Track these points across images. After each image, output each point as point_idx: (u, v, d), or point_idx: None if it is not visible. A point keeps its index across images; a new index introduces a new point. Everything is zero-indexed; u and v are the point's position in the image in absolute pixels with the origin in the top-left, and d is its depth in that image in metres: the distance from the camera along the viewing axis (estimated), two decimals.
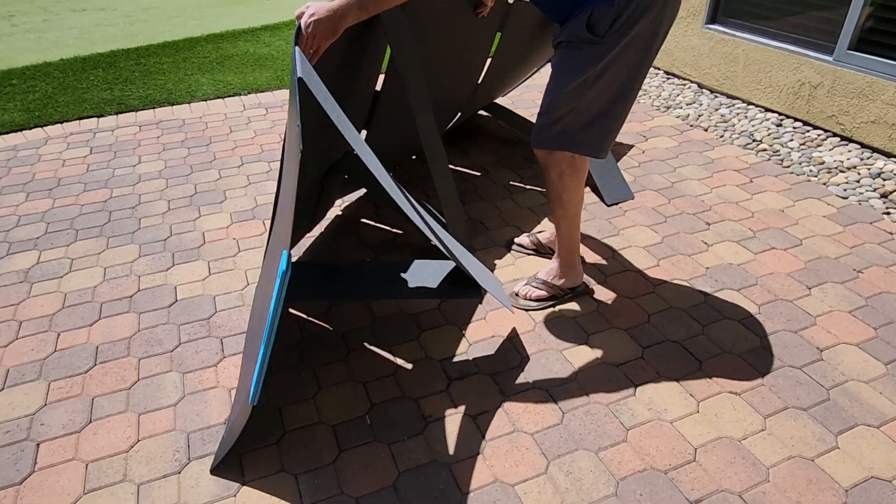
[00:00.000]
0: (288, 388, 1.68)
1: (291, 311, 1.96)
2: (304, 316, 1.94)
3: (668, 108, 3.50)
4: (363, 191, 2.66)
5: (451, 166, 2.86)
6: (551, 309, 1.93)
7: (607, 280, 2.06)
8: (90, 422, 1.59)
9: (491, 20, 2.28)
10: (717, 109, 3.44)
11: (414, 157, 2.96)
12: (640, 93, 3.71)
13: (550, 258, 2.13)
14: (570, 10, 1.53)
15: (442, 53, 2.18)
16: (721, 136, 3.13)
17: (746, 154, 2.91)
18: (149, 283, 2.09)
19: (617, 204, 2.52)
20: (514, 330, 1.86)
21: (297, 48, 1.29)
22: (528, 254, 2.20)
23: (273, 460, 1.47)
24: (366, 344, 1.82)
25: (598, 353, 1.76)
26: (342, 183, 2.43)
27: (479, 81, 2.59)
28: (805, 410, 1.57)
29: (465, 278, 1.74)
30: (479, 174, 2.79)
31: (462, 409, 1.60)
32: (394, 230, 2.38)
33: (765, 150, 2.98)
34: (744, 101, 3.50)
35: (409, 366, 1.74)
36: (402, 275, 1.70)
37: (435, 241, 1.47)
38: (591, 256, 2.18)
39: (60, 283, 2.11)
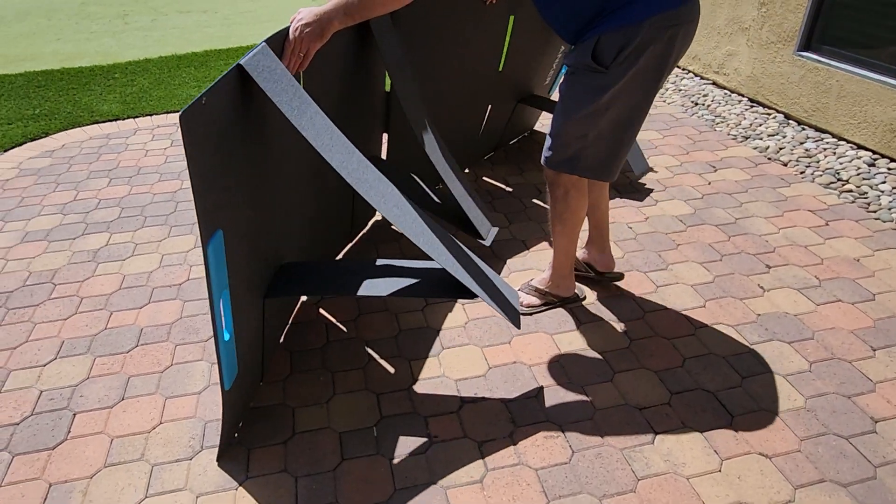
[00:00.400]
0: (305, 390, 1.72)
1: (322, 311, 2.01)
2: (332, 320, 1.98)
3: (747, 137, 3.30)
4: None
5: (502, 185, 2.84)
6: (581, 342, 1.87)
7: (646, 316, 1.97)
8: (122, 399, 1.69)
9: (500, 4, 2.31)
10: (801, 143, 3.21)
11: (466, 170, 2.96)
12: (718, 120, 3.52)
13: (583, 273, 2.12)
14: (580, 34, 1.53)
15: (453, 42, 2.24)
16: (801, 173, 2.91)
17: (827, 194, 2.69)
18: (198, 273, 2.21)
19: (642, 176, 2.68)
20: (537, 358, 1.81)
21: (263, 43, 1.35)
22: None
23: (278, 459, 1.51)
24: (387, 355, 1.84)
25: (621, 393, 1.68)
26: None
27: (501, 69, 2.60)
28: (844, 486, 1.42)
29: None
30: (530, 194, 2.75)
31: (470, 433, 1.57)
32: None
33: (850, 191, 2.74)
34: (834, 136, 3.24)
35: (425, 382, 1.73)
36: (399, 273, 1.67)
37: (438, 261, 1.45)
38: (632, 289, 2.09)
39: (122, 265, 2.27)
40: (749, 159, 3.02)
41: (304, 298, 2.07)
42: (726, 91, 3.97)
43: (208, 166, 1.16)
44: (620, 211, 2.57)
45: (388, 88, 2.25)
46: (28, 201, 2.73)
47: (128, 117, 3.61)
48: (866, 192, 2.72)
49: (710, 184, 2.78)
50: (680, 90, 4.03)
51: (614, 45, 1.46)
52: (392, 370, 1.78)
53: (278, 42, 1.43)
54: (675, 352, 1.82)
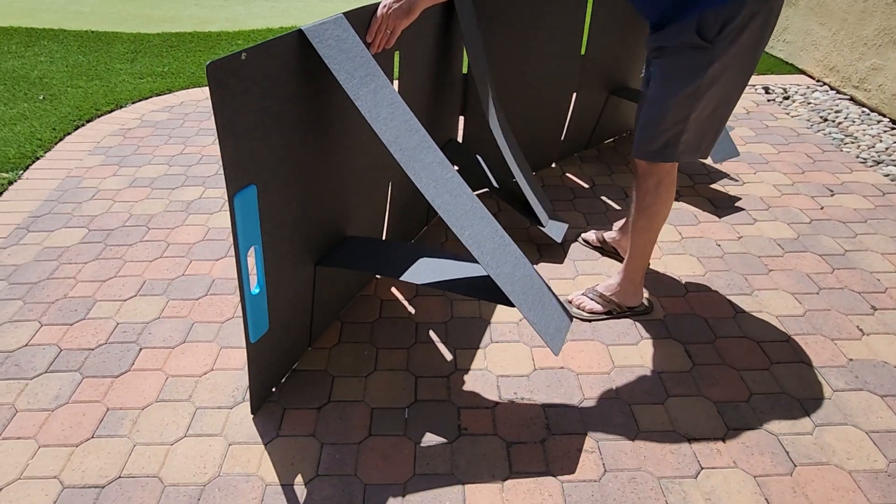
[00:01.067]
0: (348, 360, 1.74)
1: (380, 287, 2.03)
2: (389, 297, 1.99)
3: (880, 162, 2.93)
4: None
5: (587, 185, 2.71)
6: (637, 358, 1.75)
7: (716, 342, 1.81)
8: (184, 342, 1.80)
9: None
10: None
11: (553, 164, 2.86)
12: (848, 140, 3.16)
13: (613, 258, 2.16)
14: (673, 12, 1.46)
15: (531, 22, 2.21)
16: None
17: None
18: None
19: (722, 161, 2.55)
20: (587, 367, 1.72)
21: (340, 14, 1.38)
22: (595, 249, 2.25)
23: (309, 423, 1.54)
24: (434, 340, 1.82)
25: (671, 418, 1.56)
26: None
27: (584, 53, 2.53)
28: None
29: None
30: (615, 197, 2.61)
31: (501, 432, 1.52)
32: (508, 228, 2.32)
33: None
34: None
35: (466, 373, 1.70)
36: (451, 265, 1.63)
37: (481, 262, 1.39)
38: (707, 310, 1.93)
39: (209, 218, 2.42)
40: (876, 186, 2.68)
41: (378, 277, 2.09)
42: (865, 109, 3.55)
43: (240, 120, 1.18)
44: (712, 227, 2.38)
45: (465, 71, 2.24)
46: (142, 150, 2.97)
47: None
48: None
49: (822, 209, 2.50)
50: (809, 103, 3.66)
51: (719, 18, 1.40)
52: (436, 355, 1.77)
53: (360, 16, 1.44)
54: (742, 384, 1.66)
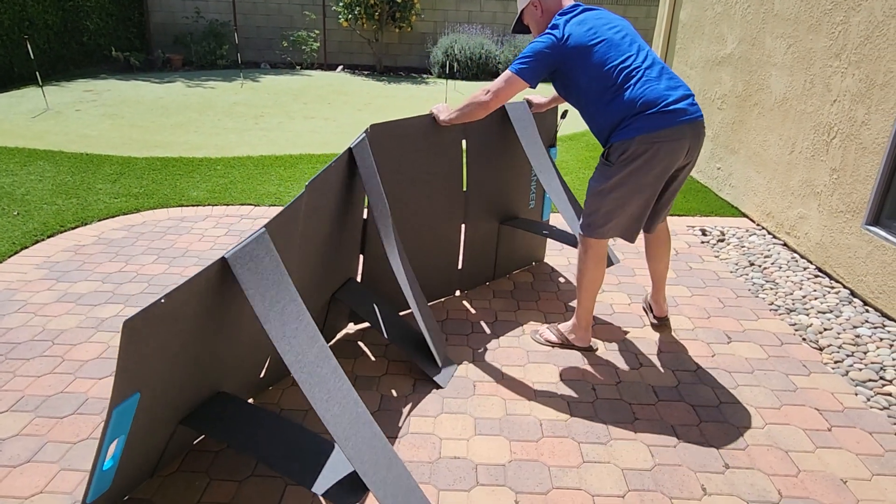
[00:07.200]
0: (175, 491, 1.75)
1: None
2: None
3: (792, 310, 2.95)
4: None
5: (489, 321, 2.78)
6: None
7: (550, 493, 1.77)
8: (28, 461, 1.85)
9: (454, 130, 2.59)
10: (855, 327, 2.80)
11: (457, 292, 2.95)
12: (767, 286, 3.20)
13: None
14: (602, 140, 2.26)
15: (416, 168, 2.49)
16: (836, 364, 2.52)
17: (850, 394, 2.29)
18: None
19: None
20: None
21: (264, 229, 1.57)
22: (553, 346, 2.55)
23: None
24: (268, 473, 1.83)
25: None
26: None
27: (466, 189, 2.76)
28: None
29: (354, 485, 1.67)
30: (511, 334, 2.66)
31: None
32: (392, 361, 2.38)
33: (889, 394, 2.32)
34: None
35: None
36: (300, 443, 1.71)
37: (359, 471, 1.52)
38: (554, 458, 1.90)
39: (114, 336, 2.54)
40: (777, 335, 2.69)
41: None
42: (795, 255, 3.62)
43: (144, 355, 1.29)
44: (595, 369, 2.39)
45: (364, 216, 2.43)
46: (86, 266, 3.18)
47: (207, 204, 4.13)
48: None
49: (713, 356, 2.51)
50: (743, 247, 3.75)
51: (618, 150, 2.16)
52: (264, 491, 1.77)
53: (277, 224, 1.64)
54: None
